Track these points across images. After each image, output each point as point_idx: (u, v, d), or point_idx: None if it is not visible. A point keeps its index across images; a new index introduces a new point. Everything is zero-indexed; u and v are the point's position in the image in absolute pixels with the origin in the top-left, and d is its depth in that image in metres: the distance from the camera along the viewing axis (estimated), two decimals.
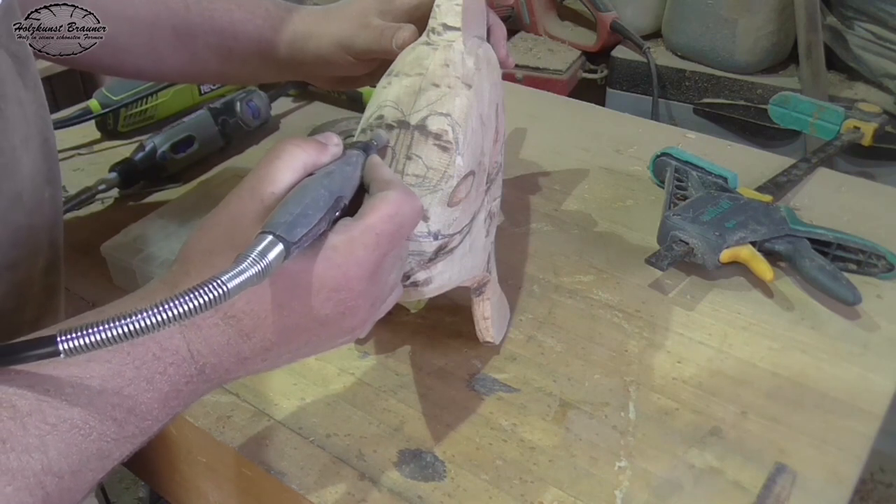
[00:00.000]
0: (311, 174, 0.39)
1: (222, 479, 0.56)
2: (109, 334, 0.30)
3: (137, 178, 0.80)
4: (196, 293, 0.31)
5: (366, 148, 0.43)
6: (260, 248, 0.33)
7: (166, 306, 0.30)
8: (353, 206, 0.39)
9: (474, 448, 0.51)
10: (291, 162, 0.38)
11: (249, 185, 0.38)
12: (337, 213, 0.38)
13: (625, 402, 0.54)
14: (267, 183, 0.38)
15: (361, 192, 0.41)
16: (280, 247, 0.33)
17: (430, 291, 0.46)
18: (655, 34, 1.46)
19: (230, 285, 0.31)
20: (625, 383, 0.56)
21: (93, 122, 0.89)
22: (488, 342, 0.58)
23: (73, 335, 0.30)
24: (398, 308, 0.63)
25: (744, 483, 0.48)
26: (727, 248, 0.64)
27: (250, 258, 0.32)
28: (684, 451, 0.51)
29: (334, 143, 0.41)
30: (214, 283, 0.31)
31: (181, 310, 0.30)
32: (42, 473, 0.32)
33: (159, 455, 0.61)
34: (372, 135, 0.46)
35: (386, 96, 0.47)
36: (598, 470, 0.50)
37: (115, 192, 0.79)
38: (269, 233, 0.34)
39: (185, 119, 0.83)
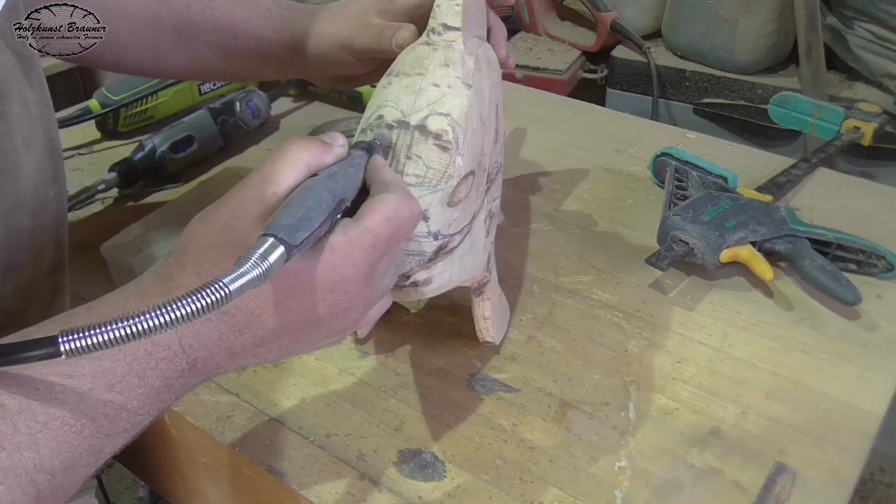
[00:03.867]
0: (314, 174, 0.39)
1: (222, 479, 0.56)
2: (112, 336, 0.30)
3: (137, 178, 0.80)
4: (198, 295, 0.31)
5: (369, 148, 0.43)
6: (261, 250, 0.33)
7: (169, 308, 0.30)
8: (354, 207, 0.39)
9: (474, 448, 0.51)
10: (295, 162, 0.38)
11: (251, 183, 0.38)
12: (339, 216, 0.38)
13: (625, 402, 0.54)
14: (270, 182, 0.38)
15: (364, 193, 0.41)
16: (281, 249, 0.33)
17: (430, 291, 0.46)
18: (655, 34, 1.46)
19: (232, 287, 0.31)
20: (625, 383, 0.56)
21: (93, 122, 0.89)
22: (488, 342, 0.58)
23: (75, 336, 0.29)
24: (398, 308, 0.63)
25: (744, 483, 0.48)
26: (727, 248, 0.64)
27: (252, 260, 0.32)
28: (684, 451, 0.51)
29: (339, 144, 0.41)
30: (216, 286, 0.31)
31: (183, 312, 0.30)
32: (34, 471, 0.32)
33: (159, 455, 0.61)
34: (375, 134, 0.46)
35: (386, 96, 0.47)
36: (598, 470, 0.50)
37: (114, 192, 0.79)
38: (271, 235, 0.33)
39: (185, 119, 0.83)
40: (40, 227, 0.47)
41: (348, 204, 0.39)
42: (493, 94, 0.52)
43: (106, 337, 0.30)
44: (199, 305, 0.30)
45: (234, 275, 0.32)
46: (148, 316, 0.30)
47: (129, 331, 0.30)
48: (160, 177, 0.81)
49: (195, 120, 0.83)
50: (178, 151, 0.81)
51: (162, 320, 0.30)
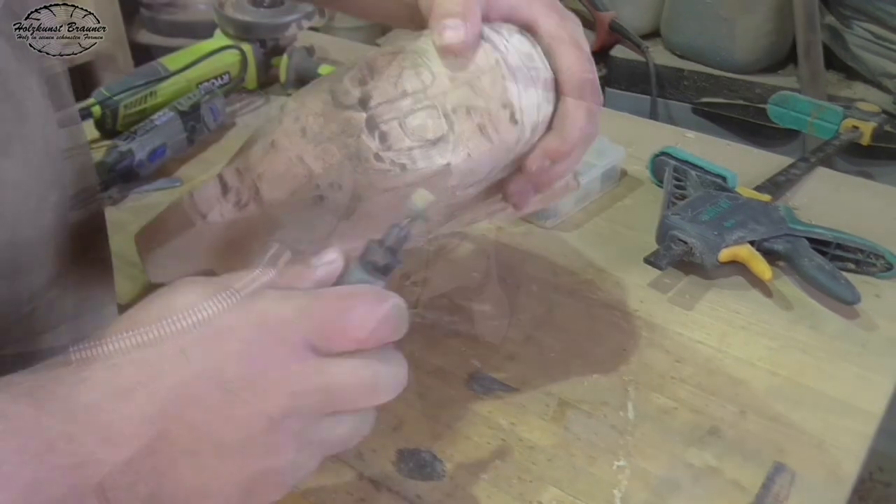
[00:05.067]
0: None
1: None
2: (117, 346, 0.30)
3: (113, 181, 0.79)
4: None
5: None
6: None
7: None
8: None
9: (473, 447, 0.51)
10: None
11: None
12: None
13: (623, 401, 0.54)
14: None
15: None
16: None
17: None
18: (654, 33, 1.46)
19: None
20: (623, 382, 0.56)
21: (92, 121, 0.89)
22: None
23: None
24: None
25: (742, 482, 0.48)
26: (726, 247, 0.64)
27: None
28: (683, 450, 0.51)
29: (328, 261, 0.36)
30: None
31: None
32: None
33: None
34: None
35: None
36: (597, 469, 0.50)
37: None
38: None
39: (157, 123, 0.82)
40: (32, 239, 0.46)
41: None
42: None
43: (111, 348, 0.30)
44: None
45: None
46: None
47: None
48: (134, 179, 0.80)
49: (166, 126, 0.83)
50: (154, 159, 0.81)
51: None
